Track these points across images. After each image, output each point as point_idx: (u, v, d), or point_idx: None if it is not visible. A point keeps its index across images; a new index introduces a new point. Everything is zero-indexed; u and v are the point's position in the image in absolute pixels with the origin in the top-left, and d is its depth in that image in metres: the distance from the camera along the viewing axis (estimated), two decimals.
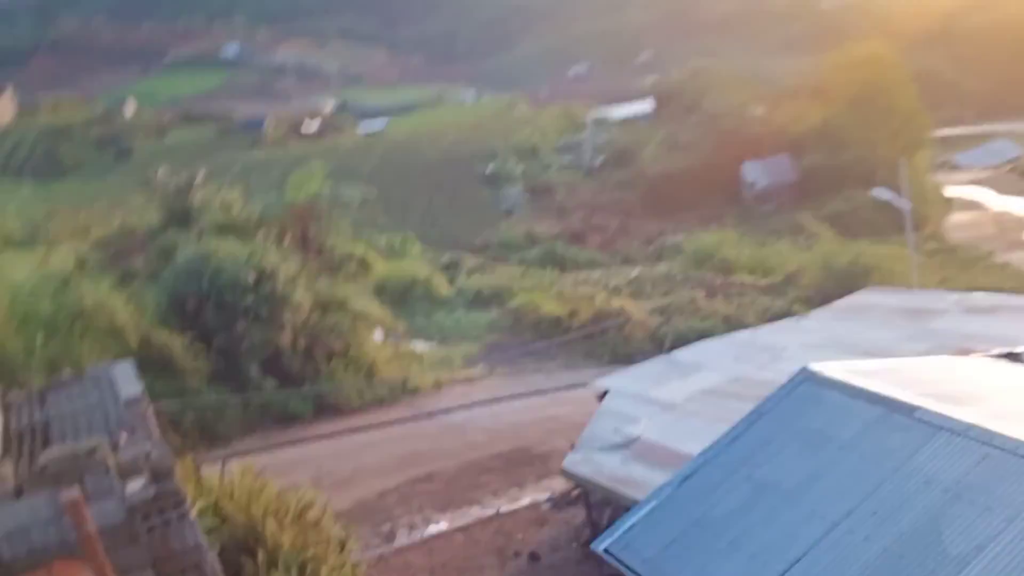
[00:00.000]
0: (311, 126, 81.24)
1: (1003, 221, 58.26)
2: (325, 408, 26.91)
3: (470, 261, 49.08)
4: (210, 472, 14.13)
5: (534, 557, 16.77)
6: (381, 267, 42.90)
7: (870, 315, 21.00)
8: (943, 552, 9.16)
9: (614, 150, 70.85)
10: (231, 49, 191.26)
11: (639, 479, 13.58)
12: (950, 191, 62.78)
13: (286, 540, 10.92)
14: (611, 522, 12.86)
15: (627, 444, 15.01)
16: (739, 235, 49.25)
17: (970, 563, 8.88)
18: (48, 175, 71.58)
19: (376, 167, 67.76)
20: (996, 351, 15.20)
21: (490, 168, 67.45)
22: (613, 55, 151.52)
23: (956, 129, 74.89)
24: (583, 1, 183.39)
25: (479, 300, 41.54)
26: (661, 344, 28.44)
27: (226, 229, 31.83)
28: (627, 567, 11.11)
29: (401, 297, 39.69)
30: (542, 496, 19.24)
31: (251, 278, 26.92)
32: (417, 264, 46.07)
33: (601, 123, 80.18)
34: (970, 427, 10.33)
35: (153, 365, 23.85)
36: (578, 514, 17.36)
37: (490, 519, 18.49)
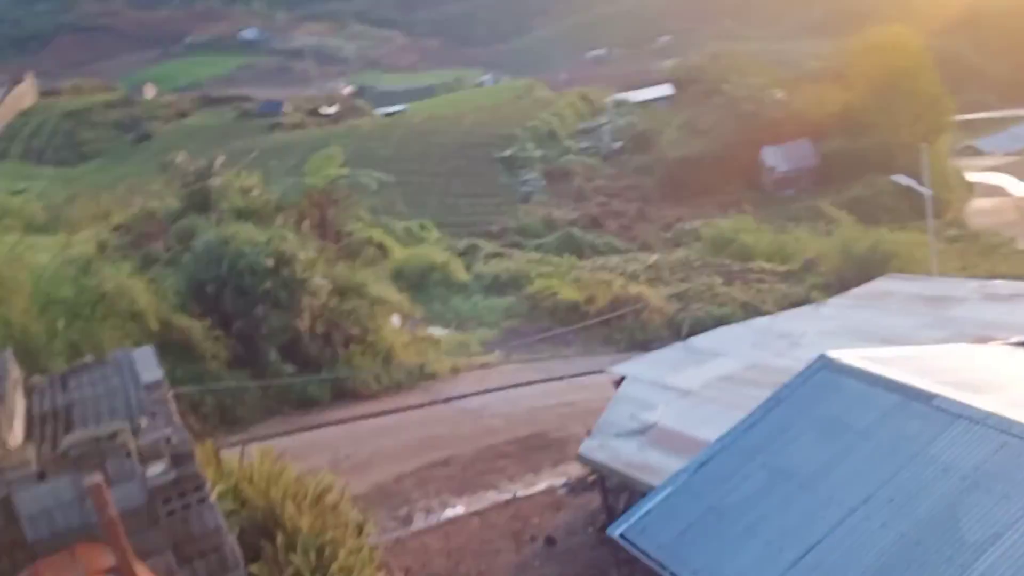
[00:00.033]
0: (329, 110, 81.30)
1: None
2: (343, 393, 27.06)
3: (487, 246, 49.10)
4: (229, 456, 14.26)
5: (550, 541, 16.86)
6: (399, 252, 43.01)
7: (889, 302, 20.88)
8: (960, 539, 9.16)
9: (633, 135, 70.61)
10: (250, 32, 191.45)
11: (655, 465, 13.61)
12: (972, 177, 62.21)
13: (305, 524, 11.02)
14: (627, 508, 12.91)
15: (644, 430, 15.03)
16: (758, 221, 48.99)
17: (987, 550, 8.89)
18: (69, 159, 72.08)
19: (394, 152, 67.86)
20: (1016, 339, 15.13)
21: (508, 153, 67.34)
22: (632, 38, 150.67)
23: (979, 114, 74.08)
24: None
25: (496, 286, 41.58)
26: (678, 330, 28.40)
27: (245, 214, 31.95)
28: (643, 552, 11.16)
29: (418, 283, 39.79)
30: (558, 481, 19.30)
31: (270, 263, 27.04)
32: (435, 249, 46.13)
33: (620, 107, 79.85)
34: (988, 415, 10.31)
35: (173, 349, 24.06)
36: (594, 499, 17.40)
37: (506, 503, 18.58)
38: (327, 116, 78.80)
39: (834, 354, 12.74)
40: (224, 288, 26.72)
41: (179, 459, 9.73)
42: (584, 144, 71.03)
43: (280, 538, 10.74)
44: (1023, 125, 78.27)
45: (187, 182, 35.17)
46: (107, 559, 7.86)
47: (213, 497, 10.00)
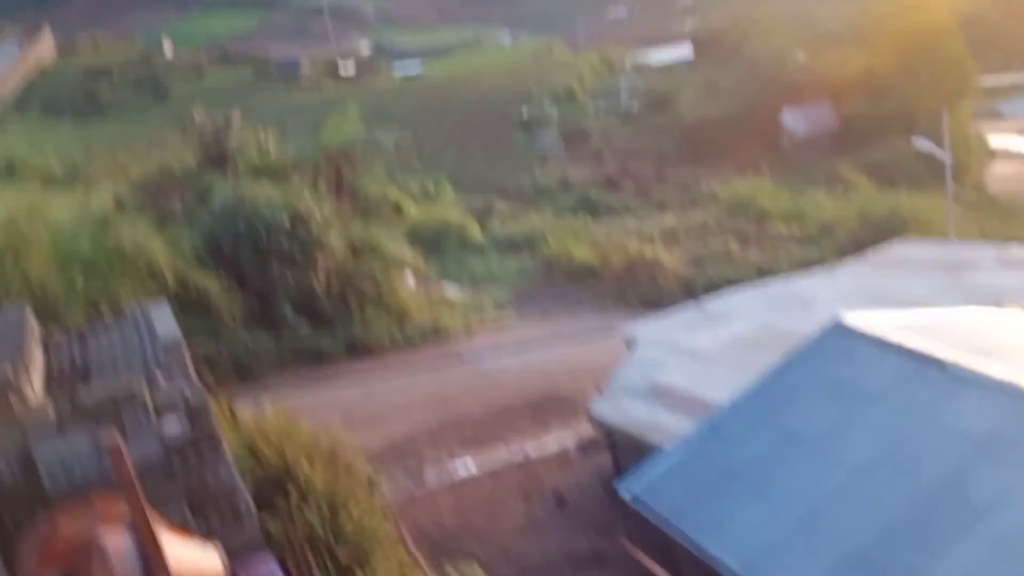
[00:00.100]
0: (347, 68, 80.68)
1: None
2: (357, 351, 27.20)
3: (503, 206, 48.82)
4: (244, 411, 14.42)
5: (560, 499, 17.02)
6: (414, 212, 42.89)
7: (904, 267, 20.78)
8: (967, 504, 9.21)
9: (652, 95, 69.78)
10: None
11: (666, 426, 13.70)
12: (993, 141, 61.35)
13: (318, 480, 11.17)
14: (637, 467, 13.01)
15: (655, 391, 15.10)
16: (775, 184, 48.52)
17: (994, 514, 8.93)
18: (87, 115, 72.01)
19: (411, 110, 67.43)
20: None
21: (525, 112, 66.87)
22: None
23: (1003, 77, 72.81)
24: None
25: (511, 246, 41.44)
26: (693, 293, 28.32)
27: (262, 172, 31.97)
28: (652, 511, 11.28)
29: (433, 242, 39.71)
30: (569, 440, 19.45)
31: (286, 221, 27.12)
32: (450, 209, 45.94)
33: (639, 68, 79.02)
34: (1000, 382, 10.31)
35: (190, 305, 24.25)
36: (604, 459, 17.52)
37: (517, 462, 18.75)
38: (344, 74, 78.22)
39: (847, 318, 12.73)
40: (241, 245, 26.85)
41: (195, 414, 9.87)
42: (602, 104, 70.27)
43: (293, 494, 10.90)
44: None
45: (204, 140, 35.20)
46: (124, 510, 8.01)
47: (228, 452, 10.15)
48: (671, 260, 35.72)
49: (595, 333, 26.74)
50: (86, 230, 25.72)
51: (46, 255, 23.33)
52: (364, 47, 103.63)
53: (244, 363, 24.84)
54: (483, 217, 45.90)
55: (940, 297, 17.52)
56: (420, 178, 51.83)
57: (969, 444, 9.85)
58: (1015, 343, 12.71)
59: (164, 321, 12.21)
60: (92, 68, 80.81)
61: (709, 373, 15.29)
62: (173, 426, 9.70)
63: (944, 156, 30.03)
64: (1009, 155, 59.78)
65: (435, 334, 28.83)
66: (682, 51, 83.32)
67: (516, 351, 26.79)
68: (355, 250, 29.40)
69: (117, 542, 7.84)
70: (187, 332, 13.46)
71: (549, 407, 21.47)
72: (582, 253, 37.65)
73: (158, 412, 9.69)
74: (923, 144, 31.08)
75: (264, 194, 27.91)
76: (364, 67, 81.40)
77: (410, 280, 31.73)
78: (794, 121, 60.76)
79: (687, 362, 16.05)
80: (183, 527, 9.14)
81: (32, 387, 10.24)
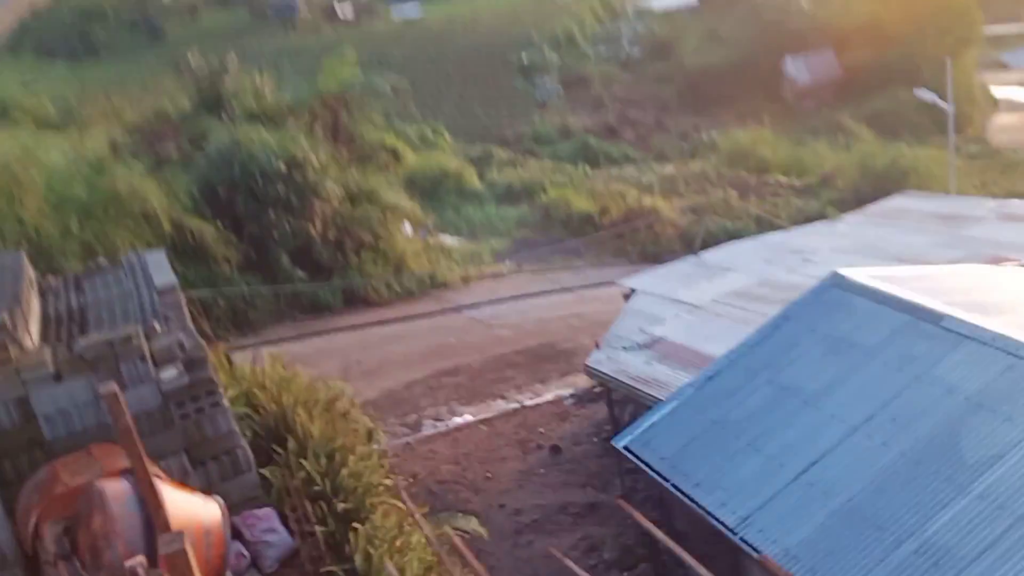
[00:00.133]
0: (345, 11, 79.44)
1: None
2: (354, 300, 27.20)
3: (501, 154, 48.42)
4: (241, 360, 14.43)
5: (555, 450, 17.14)
6: (411, 159, 42.51)
7: (904, 220, 20.73)
8: (960, 459, 9.27)
9: (653, 42, 68.93)
10: None
11: (662, 379, 13.73)
12: (997, 92, 60.83)
13: (315, 430, 11.20)
14: (632, 419, 13.09)
15: (651, 344, 15.12)
16: (776, 133, 48.18)
17: (987, 471, 8.99)
18: (81, 56, 71.06)
19: (408, 55, 66.54)
20: None
21: (525, 58, 66.01)
22: None
23: (1008, 26, 71.91)
24: None
25: (509, 195, 41.22)
26: (691, 244, 28.28)
27: (257, 116, 31.60)
28: (646, 464, 11.34)
29: (431, 190, 39.47)
30: (565, 392, 19.54)
31: (282, 167, 26.90)
32: (448, 156, 45.55)
33: (641, 13, 77.92)
34: (996, 337, 10.32)
35: (185, 252, 24.18)
36: (600, 411, 17.64)
37: (514, 412, 18.85)
38: (342, 17, 77.04)
39: (845, 272, 12.71)
40: (236, 191, 26.65)
41: (192, 363, 9.87)
42: (603, 50, 69.42)
43: (291, 443, 10.94)
44: None
45: (200, 83, 34.76)
46: (123, 460, 8.05)
47: (226, 402, 10.17)
48: (670, 210, 35.63)
49: (592, 284, 26.76)
50: (81, 174, 25.46)
51: (40, 199, 23.15)
52: None
53: (240, 310, 24.83)
54: (481, 165, 45.56)
55: (939, 252, 17.51)
56: (418, 124, 51.34)
57: (964, 400, 9.88)
58: (1013, 299, 12.70)
59: (161, 269, 12.15)
60: (86, 8, 79.50)
61: (705, 326, 15.31)
62: (171, 375, 9.70)
63: (947, 107, 29.77)
64: (1012, 106, 59.32)
65: (432, 283, 28.81)
66: None
67: (513, 302, 26.80)
68: (352, 197, 29.20)
69: (117, 491, 7.91)
70: (183, 280, 13.44)
71: (545, 358, 21.55)
72: (581, 203, 37.50)
73: (156, 361, 9.68)
74: (926, 95, 30.79)
75: (260, 139, 27.61)
76: (362, 10, 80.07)
77: (407, 229, 31.60)
78: (797, 69, 60.13)
79: (683, 314, 16.06)
80: (182, 478, 9.21)
81: (29, 334, 10.21)
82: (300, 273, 26.99)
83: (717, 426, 11.32)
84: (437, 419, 18.84)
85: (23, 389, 9.13)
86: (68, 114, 44.48)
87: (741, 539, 9.61)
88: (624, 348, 15.13)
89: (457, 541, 11.50)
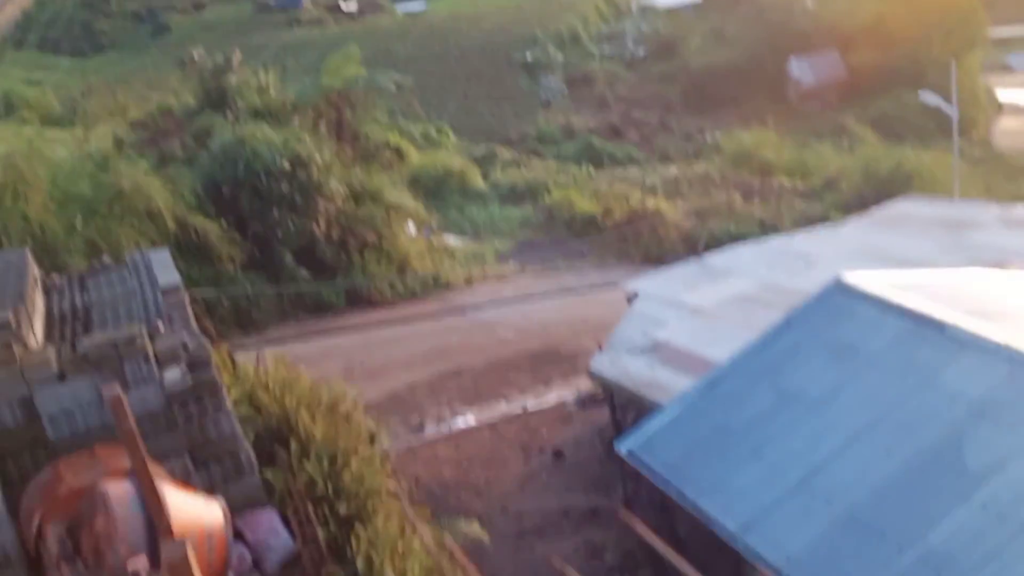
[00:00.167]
0: (349, 4, 79.32)
1: None
2: (357, 300, 27.17)
3: (505, 154, 48.36)
4: (244, 359, 14.43)
5: (558, 454, 17.13)
6: (415, 158, 42.49)
7: (907, 225, 20.69)
8: (963, 467, 9.25)
9: (657, 41, 68.83)
10: None
11: (665, 383, 13.71)
12: (1002, 95, 60.70)
13: (318, 432, 11.20)
14: (635, 424, 13.07)
15: (655, 347, 15.10)
16: (780, 135, 48.09)
17: (990, 479, 8.97)
18: (85, 50, 71.07)
19: (412, 52, 66.48)
20: None
21: (529, 56, 65.88)
22: None
23: (1013, 29, 71.72)
24: None
25: (513, 195, 41.16)
26: (695, 246, 28.27)
27: (261, 113, 31.56)
28: (649, 469, 11.33)
29: (435, 190, 39.41)
30: (568, 395, 19.53)
31: (286, 165, 26.88)
32: (452, 156, 45.52)
33: (645, 11, 77.79)
34: (999, 345, 10.29)
35: (189, 250, 24.19)
36: (603, 414, 17.60)
37: (516, 415, 18.84)
38: (346, 11, 76.94)
39: (849, 277, 12.68)
40: (240, 189, 26.64)
41: (196, 364, 9.86)
42: (607, 49, 69.30)
43: (294, 445, 10.93)
44: None
45: (204, 79, 34.74)
46: (127, 460, 8.05)
47: (229, 403, 10.16)
48: (673, 212, 35.57)
49: (596, 287, 26.72)
50: (86, 171, 25.47)
51: (45, 195, 23.16)
52: None
53: (244, 309, 24.83)
54: (485, 165, 45.49)
55: (943, 257, 17.46)
56: (422, 123, 51.30)
57: (967, 407, 9.87)
58: (1016, 305, 12.67)
59: (164, 268, 12.14)
60: (90, 2, 79.49)
61: (709, 330, 15.28)
62: (174, 376, 9.69)
63: (951, 110, 29.72)
64: (1017, 109, 59.20)
65: (436, 284, 28.77)
66: None
67: (517, 303, 26.76)
68: (356, 196, 29.18)
69: (120, 492, 7.91)
70: (187, 278, 13.41)
71: (549, 361, 21.52)
72: (584, 203, 37.45)
73: (159, 361, 9.68)
74: (930, 98, 30.74)
75: (264, 137, 27.59)
76: (366, 3, 79.90)
77: (411, 228, 31.57)
78: (801, 70, 60.00)
79: (687, 318, 16.03)
80: (185, 479, 9.21)
81: (34, 333, 10.21)
82: (304, 272, 26.98)
83: (720, 432, 11.31)
84: (440, 421, 18.83)
85: (27, 388, 9.13)
86: (72, 109, 44.53)
87: (743, 545, 9.61)
88: (627, 351, 15.10)
89: (456, 548, 11.47)
